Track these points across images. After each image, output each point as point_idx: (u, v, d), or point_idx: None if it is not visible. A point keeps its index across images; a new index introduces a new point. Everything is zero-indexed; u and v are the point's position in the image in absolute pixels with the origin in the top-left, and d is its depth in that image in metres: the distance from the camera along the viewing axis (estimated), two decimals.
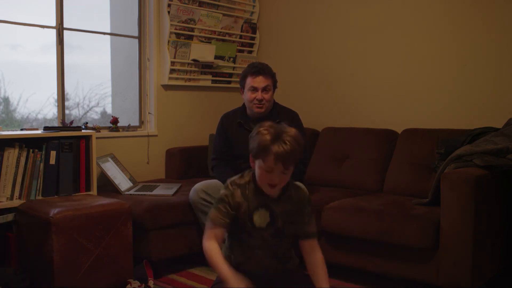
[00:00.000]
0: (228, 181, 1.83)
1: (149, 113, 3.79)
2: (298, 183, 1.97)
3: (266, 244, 1.83)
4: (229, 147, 3.05)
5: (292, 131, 1.73)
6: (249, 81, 2.94)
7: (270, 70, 3.00)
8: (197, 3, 3.87)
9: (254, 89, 2.93)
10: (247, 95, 2.96)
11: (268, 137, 1.69)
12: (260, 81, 2.92)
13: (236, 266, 1.88)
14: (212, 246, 1.76)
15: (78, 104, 3.55)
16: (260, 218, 1.79)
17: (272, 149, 1.66)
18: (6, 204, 2.64)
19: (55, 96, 3.31)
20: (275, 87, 3.03)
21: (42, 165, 2.78)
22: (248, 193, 1.80)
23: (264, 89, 2.93)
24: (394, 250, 2.58)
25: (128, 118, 3.74)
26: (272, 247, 1.84)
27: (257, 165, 1.73)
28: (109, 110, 3.77)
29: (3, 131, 2.90)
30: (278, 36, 4.27)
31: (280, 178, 1.72)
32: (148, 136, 3.74)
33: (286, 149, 1.66)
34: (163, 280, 2.80)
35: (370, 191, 3.21)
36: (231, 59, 4.14)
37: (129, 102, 3.81)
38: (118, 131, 3.56)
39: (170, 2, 3.69)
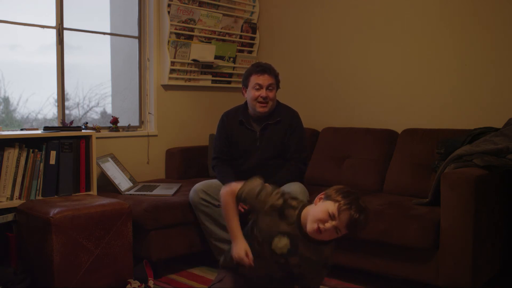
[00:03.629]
0: (281, 193, 1.81)
1: (149, 113, 3.79)
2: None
3: (269, 263, 1.81)
4: (229, 146, 3.05)
5: (368, 209, 1.70)
6: (254, 79, 2.95)
7: (274, 70, 3.01)
8: (197, 3, 3.87)
9: (259, 87, 2.93)
10: (251, 93, 2.96)
11: (351, 199, 1.67)
12: (265, 79, 2.93)
13: (236, 265, 1.89)
14: (230, 200, 1.82)
15: (78, 104, 3.55)
16: (279, 243, 1.76)
17: (352, 209, 1.64)
18: (6, 204, 2.64)
19: (55, 96, 3.31)
20: (278, 87, 3.04)
21: (42, 165, 2.78)
22: (287, 214, 1.76)
23: (268, 88, 2.94)
24: (394, 250, 2.58)
25: (128, 118, 3.74)
26: (273, 269, 1.82)
27: (323, 205, 1.68)
28: (109, 110, 3.77)
29: (3, 131, 2.90)
30: (278, 36, 4.27)
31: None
32: (148, 136, 3.74)
33: (361, 219, 1.65)
34: (163, 280, 2.80)
35: (370, 191, 3.21)
36: (231, 59, 4.14)
37: (129, 102, 3.81)
38: (118, 131, 3.56)
39: (170, 2, 3.69)
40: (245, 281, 1.89)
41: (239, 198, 1.83)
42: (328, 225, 1.64)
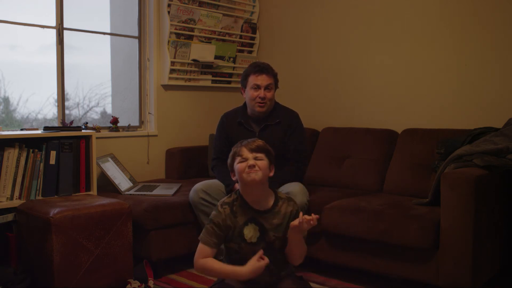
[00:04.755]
0: (219, 203, 1.94)
1: (149, 113, 3.79)
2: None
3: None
4: (229, 146, 3.04)
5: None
6: (252, 79, 2.95)
7: (273, 70, 3.01)
8: (197, 3, 3.87)
9: (257, 87, 2.93)
10: (249, 93, 2.96)
11: (238, 144, 1.95)
12: (263, 79, 2.93)
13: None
14: (205, 260, 1.86)
15: (78, 104, 3.55)
16: (250, 232, 1.88)
17: (243, 145, 1.92)
18: (6, 204, 2.64)
19: (55, 96, 3.31)
20: (276, 87, 3.04)
21: (42, 165, 2.78)
22: (235, 209, 1.90)
23: (267, 88, 2.94)
24: (394, 250, 2.58)
25: (128, 118, 3.75)
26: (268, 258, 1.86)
27: (235, 167, 1.91)
28: (109, 110, 3.77)
29: (3, 131, 2.90)
30: (278, 36, 4.27)
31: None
32: (148, 136, 3.74)
33: (254, 141, 1.93)
34: (163, 280, 2.80)
35: (370, 191, 3.21)
36: (231, 59, 4.14)
37: (129, 102, 3.81)
38: (118, 131, 3.56)
39: (170, 2, 3.69)
40: (246, 281, 1.90)
41: (212, 245, 1.89)
42: (250, 162, 1.86)
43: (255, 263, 1.79)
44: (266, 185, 1.92)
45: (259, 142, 1.92)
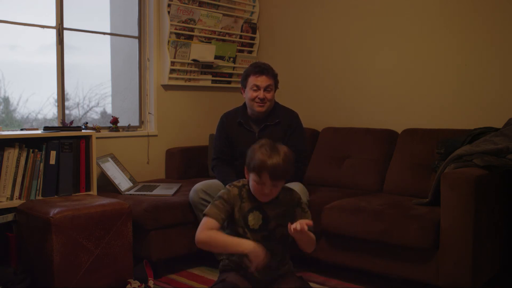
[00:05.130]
0: (228, 184, 1.97)
1: (149, 113, 3.79)
2: (292, 185, 2.04)
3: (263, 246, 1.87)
4: (229, 146, 3.05)
5: (284, 149, 1.86)
6: (252, 80, 2.95)
7: (273, 70, 3.01)
8: (197, 3, 3.87)
9: (256, 88, 2.94)
10: (249, 93, 2.96)
11: (262, 155, 1.82)
12: (262, 80, 2.93)
13: (237, 266, 1.90)
14: (211, 231, 1.84)
15: (78, 104, 3.55)
16: (254, 219, 1.90)
17: (266, 166, 1.80)
18: (6, 204, 2.64)
19: (55, 96, 3.31)
20: (276, 87, 3.04)
21: (42, 165, 2.78)
22: (243, 194, 1.92)
23: (266, 88, 2.94)
24: (394, 250, 2.58)
25: (128, 118, 3.75)
26: (268, 248, 1.87)
27: (251, 178, 1.88)
28: (109, 110, 3.77)
29: (3, 131, 2.90)
30: (278, 36, 4.27)
31: (271, 190, 1.85)
32: (148, 136, 3.74)
33: (278, 167, 1.80)
34: (163, 280, 2.80)
35: (370, 191, 3.21)
36: (231, 59, 4.14)
37: (129, 102, 3.81)
38: (118, 131, 3.56)
39: (170, 2, 3.69)
40: (248, 280, 1.90)
41: (219, 219, 1.88)
42: (266, 190, 1.83)
43: (259, 251, 1.81)
44: None
45: (281, 168, 1.81)
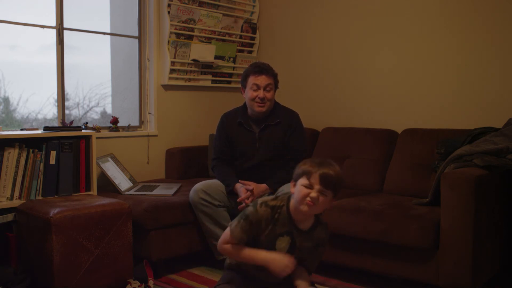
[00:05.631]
0: (260, 200, 1.86)
1: (149, 113, 3.79)
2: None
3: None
4: (229, 146, 3.05)
5: (338, 167, 1.81)
6: (252, 80, 2.95)
7: (273, 70, 3.01)
8: (197, 3, 3.87)
9: (256, 87, 2.93)
10: (249, 93, 2.96)
11: (314, 164, 1.78)
12: (262, 80, 2.93)
13: (245, 272, 1.90)
14: (233, 247, 1.83)
15: (78, 104, 3.55)
16: (282, 243, 1.84)
17: (319, 169, 1.75)
18: (6, 204, 2.64)
19: (55, 96, 3.31)
20: (276, 87, 3.04)
21: (42, 165, 2.78)
22: (277, 217, 1.84)
23: (266, 88, 2.94)
24: (394, 250, 2.58)
25: (128, 118, 3.75)
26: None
27: (299, 183, 1.78)
28: (109, 110, 3.77)
29: (3, 131, 2.90)
30: (278, 36, 4.27)
31: (317, 197, 1.75)
32: (148, 136, 3.74)
33: (330, 175, 1.75)
34: (163, 280, 2.80)
35: (370, 191, 3.21)
36: (231, 59, 4.14)
37: (129, 102, 3.81)
38: (118, 131, 3.56)
39: (170, 2, 3.69)
40: (251, 281, 1.91)
41: (240, 241, 1.84)
42: (313, 194, 1.74)
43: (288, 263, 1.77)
44: None
45: (333, 174, 1.76)
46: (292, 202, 1.83)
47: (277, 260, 1.77)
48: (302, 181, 1.77)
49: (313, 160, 1.81)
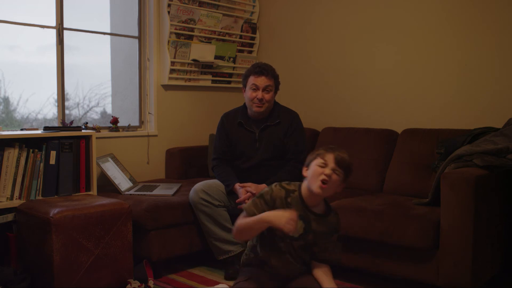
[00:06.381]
0: (275, 183, 1.94)
1: (149, 113, 3.79)
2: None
3: (295, 252, 1.91)
4: (229, 147, 3.05)
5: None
6: (252, 80, 2.95)
7: (274, 71, 3.00)
8: (197, 3, 3.87)
9: (255, 88, 2.93)
10: (248, 93, 2.96)
11: (328, 147, 1.88)
12: (262, 81, 2.93)
13: (261, 262, 1.91)
14: (238, 222, 1.87)
15: (78, 104, 3.55)
16: (296, 227, 1.85)
17: (333, 152, 1.85)
18: (6, 204, 2.64)
19: (55, 96, 3.31)
20: (277, 88, 3.04)
21: (42, 165, 2.78)
22: (290, 201, 1.89)
23: (265, 89, 2.94)
24: (394, 250, 2.58)
25: (128, 118, 3.75)
26: (300, 255, 1.91)
27: (313, 165, 1.86)
28: (109, 110, 3.77)
29: (3, 131, 2.90)
30: (278, 36, 4.27)
31: (331, 175, 1.81)
32: (148, 136, 3.74)
33: (344, 154, 1.85)
34: (163, 280, 2.80)
35: (370, 191, 3.21)
36: (231, 59, 4.14)
37: (129, 102, 3.81)
38: (118, 131, 3.56)
39: (170, 2, 3.69)
40: (270, 276, 1.93)
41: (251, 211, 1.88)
42: (328, 171, 1.81)
43: (291, 218, 1.78)
44: None
45: (346, 156, 1.86)
46: (304, 187, 1.89)
47: (279, 215, 1.80)
48: (317, 161, 1.85)
49: (327, 146, 1.90)
